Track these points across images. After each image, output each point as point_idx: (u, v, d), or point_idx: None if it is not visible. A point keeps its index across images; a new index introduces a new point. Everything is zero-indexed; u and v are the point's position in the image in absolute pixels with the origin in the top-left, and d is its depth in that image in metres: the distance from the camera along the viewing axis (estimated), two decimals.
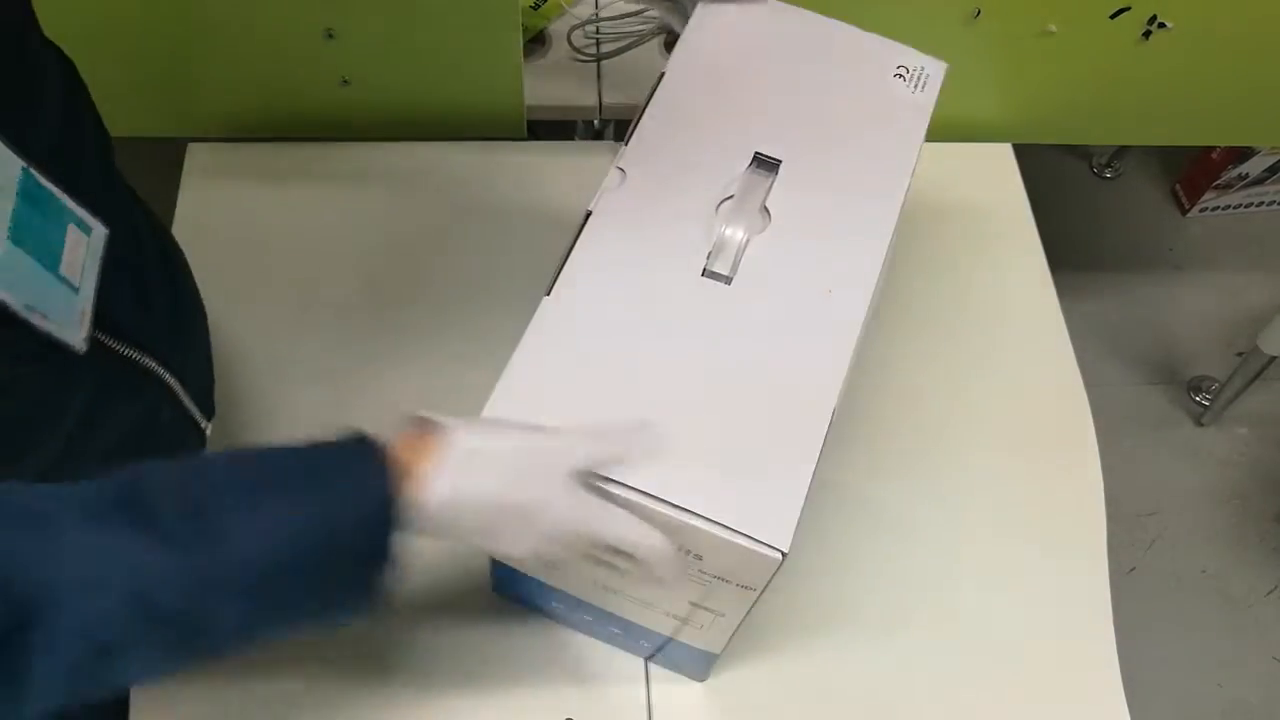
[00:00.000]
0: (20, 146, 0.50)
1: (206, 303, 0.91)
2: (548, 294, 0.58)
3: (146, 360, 0.63)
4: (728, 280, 0.59)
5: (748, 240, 0.60)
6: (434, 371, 0.86)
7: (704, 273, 0.59)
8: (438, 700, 0.75)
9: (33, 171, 0.51)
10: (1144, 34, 0.98)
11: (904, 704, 0.78)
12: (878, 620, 0.81)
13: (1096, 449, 0.89)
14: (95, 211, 0.57)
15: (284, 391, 0.85)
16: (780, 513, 0.52)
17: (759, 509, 0.52)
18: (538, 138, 1.09)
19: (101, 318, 0.57)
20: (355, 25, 0.95)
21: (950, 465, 0.86)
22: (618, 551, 0.53)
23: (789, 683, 0.78)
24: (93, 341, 0.57)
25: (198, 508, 0.42)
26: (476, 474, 0.49)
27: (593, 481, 0.52)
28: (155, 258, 0.68)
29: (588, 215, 0.61)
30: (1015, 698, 0.78)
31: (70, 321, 0.54)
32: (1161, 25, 0.97)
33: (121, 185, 0.65)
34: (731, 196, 0.62)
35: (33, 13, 0.55)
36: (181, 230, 0.95)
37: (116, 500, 0.42)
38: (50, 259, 0.53)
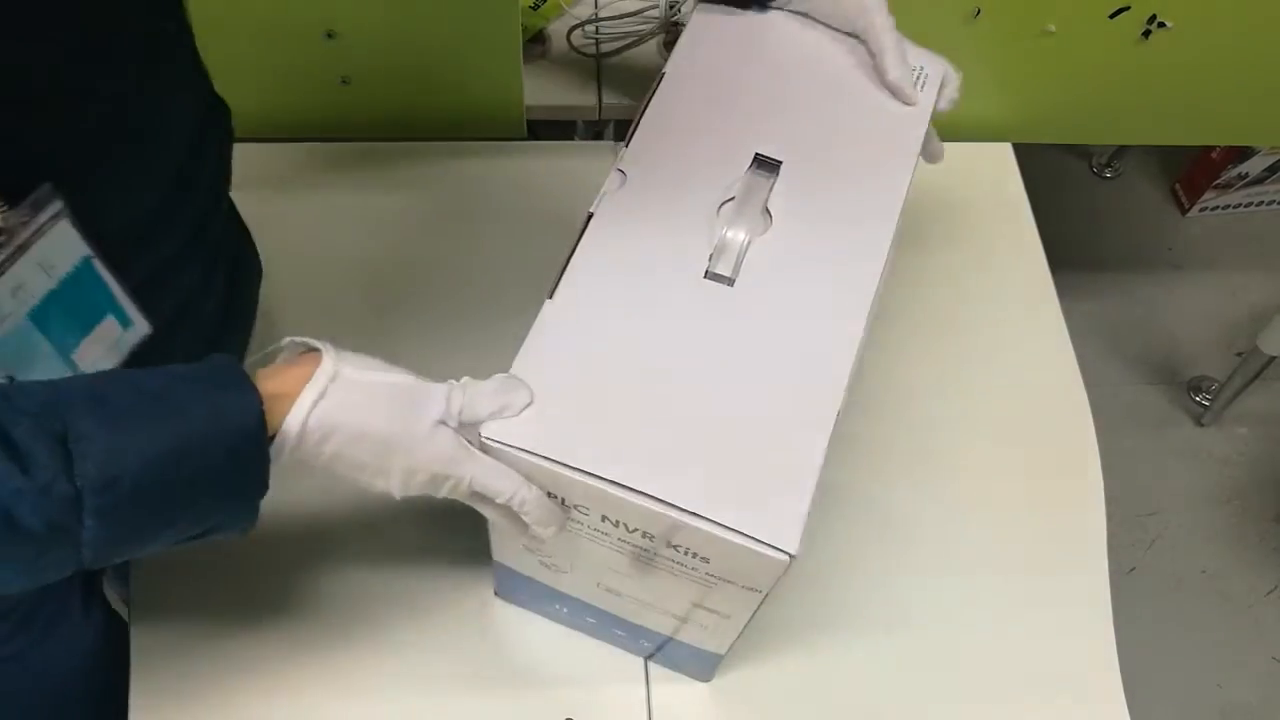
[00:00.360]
0: (90, 229, 0.50)
1: None
2: (549, 297, 0.58)
3: None
4: (730, 282, 0.59)
5: (749, 242, 0.60)
6: (434, 372, 0.86)
7: (706, 274, 0.59)
8: (438, 700, 0.75)
9: (94, 261, 0.51)
10: (1144, 33, 0.98)
11: (904, 704, 0.78)
12: (877, 621, 0.81)
13: (1096, 449, 0.89)
14: (157, 287, 0.57)
15: None
16: (787, 515, 0.52)
17: (766, 511, 0.52)
18: (538, 138, 1.09)
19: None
20: (355, 25, 0.95)
21: (950, 465, 0.86)
22: (488, 501, 0.54)
23: (789, 683, 0.78)
24: None
25: (55, 432, 0.42)
26: (343, 401, 0.50)
27: (470, 434, 0.53)
28: (216, 306, 0.68)
29: (589, 217, 0.61)
30: (1015, 698, 0.78)
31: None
32: (1161, 25, 0.97)
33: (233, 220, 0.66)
34: (733, 198, 0.61)
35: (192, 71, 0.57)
36: None
37: None
38: (68, 344, 0.52)
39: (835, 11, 0.69)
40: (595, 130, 1.13)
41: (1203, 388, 1.71)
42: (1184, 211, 1.91)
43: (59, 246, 0.49)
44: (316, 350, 0.51)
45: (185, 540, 0.49)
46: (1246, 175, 1.81)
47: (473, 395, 0.53)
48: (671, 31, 1.13)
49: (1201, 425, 1.70)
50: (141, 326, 0.57)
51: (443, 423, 0.52)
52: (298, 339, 0.52)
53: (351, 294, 0.91)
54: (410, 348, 0.89)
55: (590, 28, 1.12)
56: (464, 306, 0.91)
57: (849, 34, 0.70)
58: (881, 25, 0.67)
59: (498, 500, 0.54)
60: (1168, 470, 1.66)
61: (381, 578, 0.79)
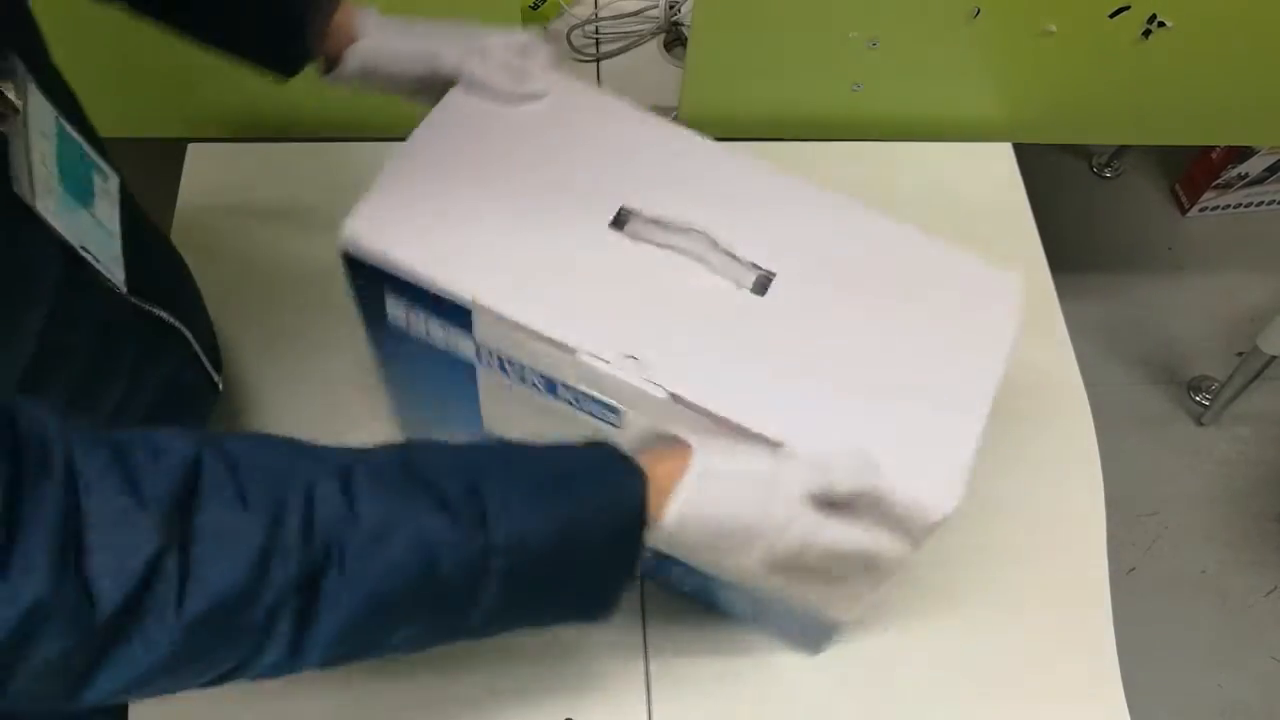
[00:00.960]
0: (50, 95, 0.51)
1: (210, 302, 0.91)
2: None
3: (167, 316, 0.65)
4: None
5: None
6: None
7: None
8: (438, 700, 0.75)
9: (61, 120, 0.53)
10: (1144, 33, 0.98)
11: (903, 705, 0.78)
12: (876, 622, 0.81)
13: (1096, 449, 0.89)
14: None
15: (283, 390, 0.86)
16: (948, 467, 0.53)
17: (923, 465, 0.53)
18: None
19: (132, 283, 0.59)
20: None
21: None
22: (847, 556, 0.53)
23: (787, 683, 0.78)
24: (115, 296, 0.58)
25: (472, 487, 0.43)
26: (712, 494, 0.50)
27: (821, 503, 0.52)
28: (140, 218, 0.70)
29: None
30: (1015, 697, 0.78)
31: (115, 262, 0.56)
32: (1161, 25, 0.97)
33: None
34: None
35: None
36: (181, 230, 0.95)
37: (400, 466, 0.43)
38: (88, 202, 0.54)
39: (403, 80, 0.67)
40: None
41: (1203, 388, 1.71)
42: (1184, 211, 1.91)
43: (40, 112, 0.51)
44: (677, 438, 0.51)
45: (555, 620, 0.50)
46: (1246, 175, 1.81)
47: (821, 461, 0.51)
48: (672, 32, 1.13)
49: (1201, 425, 1.70)
50: (114, 176, 0.59)
51: (805, 504, 0.51)
52: (662, 432, 0.52)
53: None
54: None
55: (590, 28, 1.12)
56: None
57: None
58: (456, 64, 0.64)
59: (856, 549, 0.53)
60: (1168, 470, 1.66)
61: None
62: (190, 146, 1.00)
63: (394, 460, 0.44)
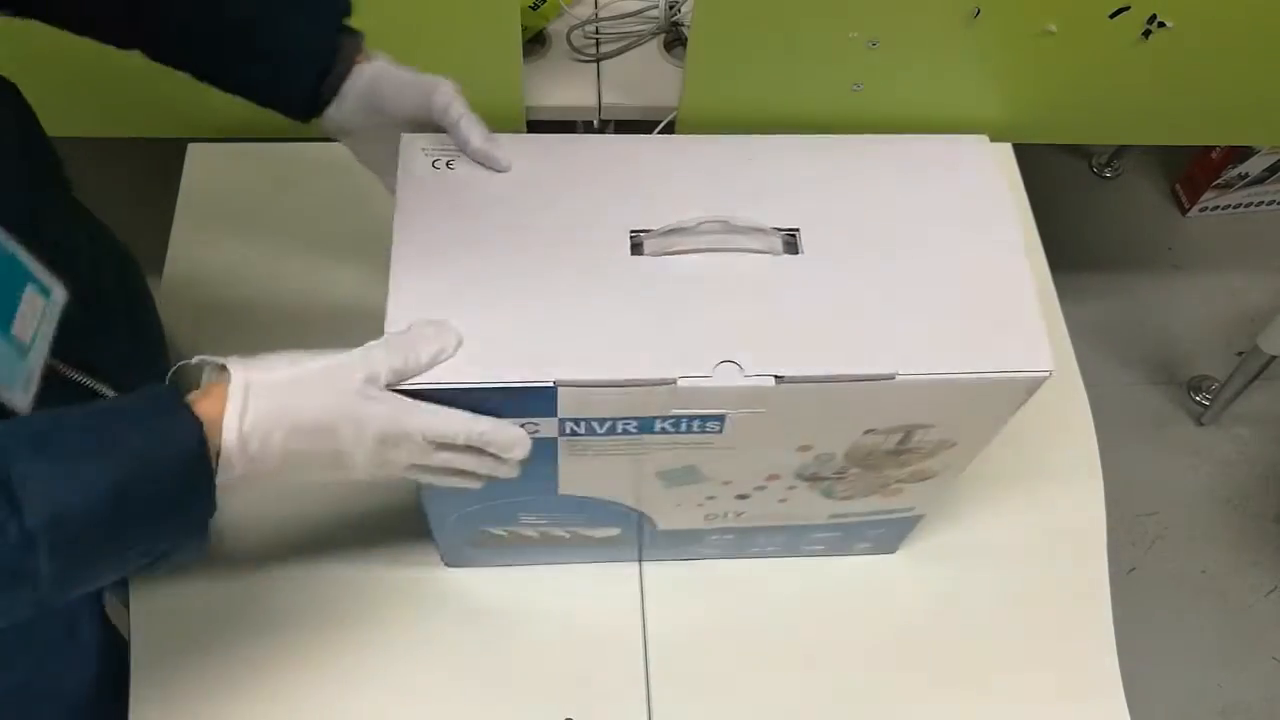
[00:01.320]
0: None
1: (209, 302, 0.91)
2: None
3: (102, 387, 0.64)
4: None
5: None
6: None
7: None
8: (438, 700, 0.75)
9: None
10: (1144, 34, 0.98)
11: (902, 705, 0.78)
12: (872, 621, 0.81)
13: (1096, 449, 0.89)
14: (59, 259, 0.57)
15: None
16: (1028, 338, 0.57)
17: (1009, 342, 0.57)
18: None
19: (62, 349, 0.58)
20: (355, 25, 0.94)
21: None
22: (460, 448, 0.55)
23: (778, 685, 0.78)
24: (50, 371, 0.57)
25: (1, 478, 0.44)
26: (267, 404, 0.50)
27: (399, 388, 0.53)
28: (113, 278, 0.69)
29: None
30: (1015, 697, 0.78)
31: (15, 383, 0.54)
32: (1161, 25, 0.97)
33: (77, 207, 0.66)
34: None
35: None
36: (181, 230, 0.95)
37: None
38: (2, 318, 0.53)
39: (404, 104, 0.65)
40: (595, 130, 1.13)
41: (1203, 388, 1.71)
42: (1184, 211, 1.91)
43: None
44: (213, 362, 0.52)
45: (143, 568, 0.50)
46: (1246, 175, 1.81)
47: (403, 349, 0.53)
48: (672, 32, 1.13)
49: (1201, 425, 1.70)
50: (59, 291, 0.58)
51: (372, 386, 0.52)
52: (207, 357, 0.52)
53: (352, 293, 0.91)
54: None
55: (590, 28, 1.12)
56: None
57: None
58: (448, 98, 0.63)
59: (455, 441, 0.54)
60: (1168, 470, 1.66)
61: (376, 582, 0.79)
62: (190, 146, 1.00)
63: None
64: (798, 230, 0.60)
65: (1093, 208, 1.91)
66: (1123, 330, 1.78)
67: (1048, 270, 0.98)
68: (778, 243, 0.59)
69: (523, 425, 0.56)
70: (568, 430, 0.58)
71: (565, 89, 1.08)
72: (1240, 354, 1.59)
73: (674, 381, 0.54)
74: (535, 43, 1.11)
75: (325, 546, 0.80)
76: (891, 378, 0.55)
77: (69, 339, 0.59)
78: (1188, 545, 1.60)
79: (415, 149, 0.62)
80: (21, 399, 0.55)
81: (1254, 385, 1.59)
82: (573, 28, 1.11)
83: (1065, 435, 0.90)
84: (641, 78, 1.10)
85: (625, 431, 0.58)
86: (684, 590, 0.81)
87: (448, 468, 0.56)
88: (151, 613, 0.76)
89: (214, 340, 0.87)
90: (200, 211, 0.96)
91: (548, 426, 0.57)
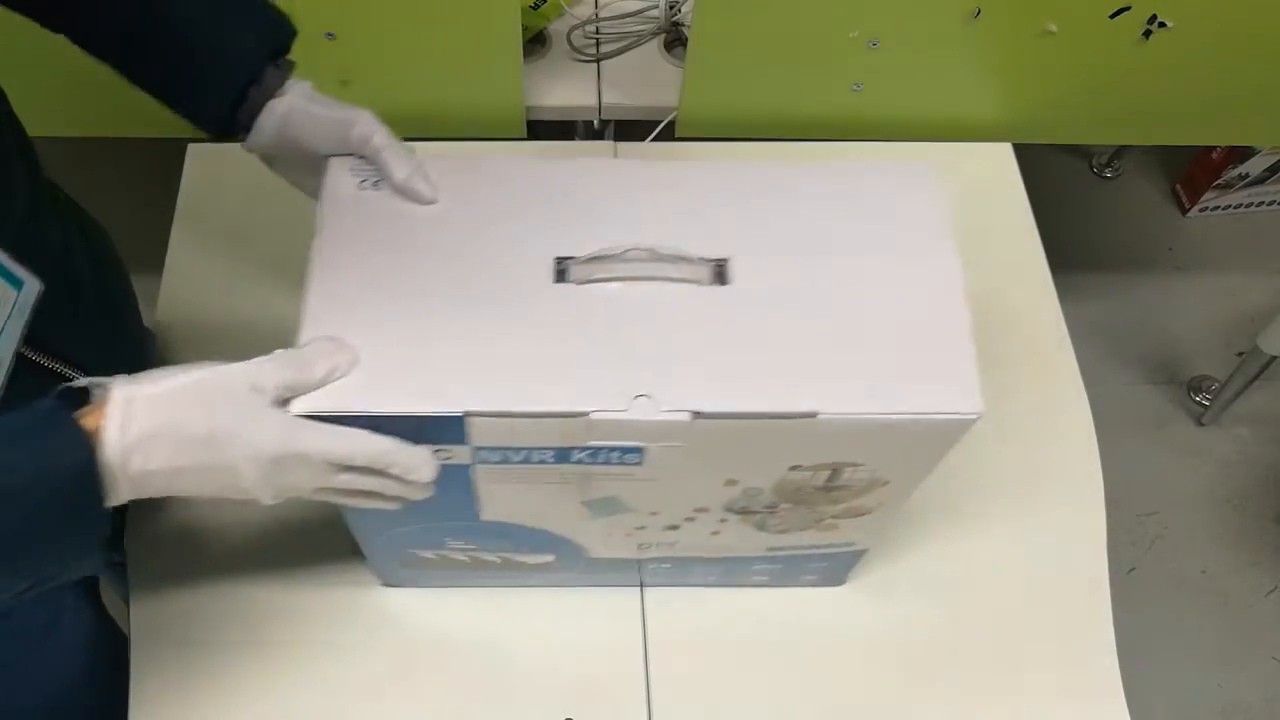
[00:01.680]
0: None
1: (208, 302, 0.91)
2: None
3: (75, 374, 0.63)
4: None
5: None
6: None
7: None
8: (438, 700, 0.75)
9: None
10: (1144, 34, 0.98)
11: (901, 706, 0.78)
12: (870, 622, 0.81)
13: (1096, 449, 0.89)
14: (27, 249, 0.57)
15: None
16: (959, 378, 0.55)
17: (941, 383, 0.55)
18: (538, 138, 1.09)
19: (33, 337, 0.58)
20: (355, 25, 0.95)
21: (949, 464, 0.86)
22: (362, 470, 0.53)
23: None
24: (24, 360, 0.57)
25: None
26: (141, 417, 0.48)
27: (294, 407, 0.51)
28: (89, 268, 0.68)
29: None
30: (1015, 698, 0.78)
31: None
32: (1162, 25, 0.97)
33: (49, 195, 0.65)
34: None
35: None
36: (181, 230, 0.95)
37: None
38: None
39: (321, 139, 0.63)
40: (595, 130, 1.13)
41: (1203, 388, 1.71)
42: (1184, 211, 1.91)
43: None
44: (96, 382, 0.51)
45: (34, 587, 0.49)
46: (1246, 175, 1.81)
47: (295, 363, 0.51)
48: (672, 32, 1.13)
49: (1201, 425, 1.70)
50: (32, 283, 0.57)
51: (260, 398, 0.50)
52: (95, 380, 0.51)
53: None
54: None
55: (590, 28, 1.12)
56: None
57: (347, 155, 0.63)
58: (369, 131, 0.61)
59: (354, 462, 0.52)
60: (1168, 470, 1.66)
61: (371, 584, 0.79)
62: (190, 146, 1.00)
63: None
64: (727, 260, 0.58)
65: (1093, 208, 1.91)
66: (1123, 330, 1.78)
67: (1048, 270, 0.98)
68: (706, 272, 0.57)
69: (436, 451, 0.55)
70: (481, 459, 0.57)
71: (565, 89, 1.08)
72: (1240, 354, 1.59)
73: (587, 414, 0.53)
74: (535, 43, 1.11)
75: (313, 561, 0.80)
76: (813, 416, 0.53)
77: (43, 327, 0.59)
78: (1188, 545, 1.60)
79: (343, 169, 0.61)
80: None
81: (1254, 385, 1.59)
82: (573, 28, 1.12)
83: (1065, 435, 0.90)
84: (641, 78, 1.10)
85: (542, 461, 0.57)
86: (684, 598, 0.81)
87: (351, 489, 0.54)
88: (152, 612, 0.76)
89: (213, 339, 0.87)
90: (200, 212, 0.96)
91: (460, 454, 0.56)
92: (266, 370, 0.51)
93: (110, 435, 0.48)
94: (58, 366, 0.62)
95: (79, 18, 0.62)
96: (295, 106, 0.63)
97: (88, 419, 0.48)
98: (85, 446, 0.47)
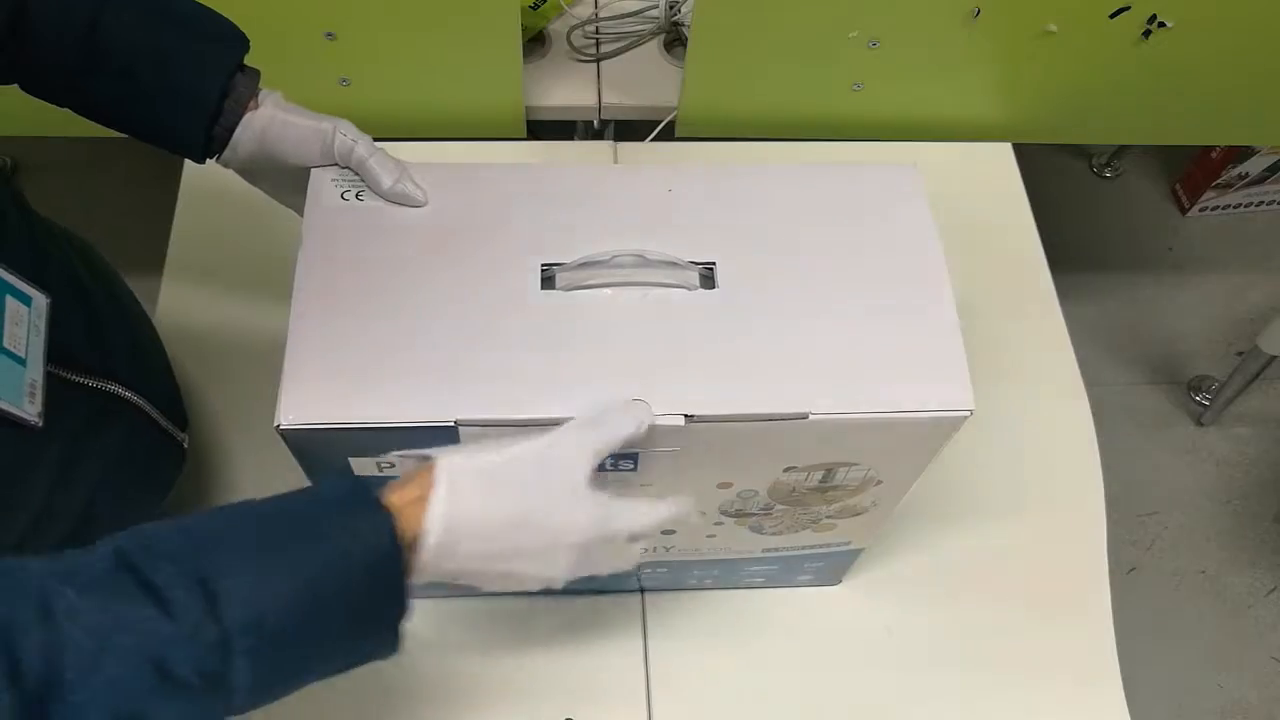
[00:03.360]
0: None
1: (208, 303, 0.91)
2: None
3: (111, 387, 0.63)
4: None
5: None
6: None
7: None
8: (438, 700, 0.75)
9: None
10: (1144, 33, 0.98)
11: (900, 706, 0.78)
12: (870, 621, 0.81)
13: (1096, 449, 0.89)
14: (27, 267, 0.57)
15: None
16: (950, 375, 0.55)
17: (931, 382, 0.55)
18: (538, 138, 1.09)
19: (60, 355, 0.57)
20: (355, 25, 0.95)
21: (949, 464, 0.86)
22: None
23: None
24: (56, 379, 0.56)
25: (195, 573, 0.41)
26: (470, 495, 0.47)
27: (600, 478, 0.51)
28: (87, 275, 0.68)
29: None
30: (1015, 697, 0.78)
31: (20, 396, 0.54)
32: (1161, 25, 0.97)
33: (40, 221, 0.64)
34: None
35: None
36: (181, 230, 0.95)
37: (114, 569, 0.41)
38: None
39: (301, 151, 0.62)
40: (595, 130, 1.13)
41: (1203, 388, 1.71)
42: (1184, 211, 1.91)
43: None
44: (419, 455, 0.50)
45: (334, 673, 0.47)
46: (1246, 175, 1.81)
47: (606, 433, 0.50)
48: (672, 32, 1.13)
49: (1201, 425, 1.70)
50: (40, 298, 0.57)
51: (576, 476, 0.49)
52: (409, 452, 0.50)
53: None
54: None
55: (590, 28, 1.12)
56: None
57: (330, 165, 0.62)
58: (350, 142, 0.60)
59: (655, 531, 0.52)
60: (1168, 470, 1.66)
61: None
62: None
63: (105, 561, 0.41)
64: (714, 264, 0.58)
65: (1093, 208, 1.91)
66: (1123, 330, 1.78)
67: (1048, 270, 0.98)
68: (694, 277, 0.57)
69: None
70: None
71: (565, 89, 1.08)
72: (1240, 354, 1.59)
73: None
74: (535, 43, 1.11)
75: None
76: (805, 417, 0.53)
77: (59, 344, 0.58)
78: (1188, 545, 1.60)
79: (325, 180, 0.61)
80: (31, 410, 0.54)
81: (1254, 385, 1.59)
82: (573, 28, 1.12)
83: (1065, 435, 0.90)
84: (641, 78, 1.10)
85: None
86: (683, 599, 0.81)
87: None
88: None
89: (213, 339, 0.87)
90: (200, 212, 0.96)
91: None
92: (583, 442, 0.49)
93: (433, 510, 0.46)
94: (86, 380, 0.62)
95: (20, 63, 0.59)
96: (273, 118, 0.62)
97: (403, 493, 0.47)
98: (393, 526, 0.45)
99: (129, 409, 0.66)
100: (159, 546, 0.42)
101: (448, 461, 0.48)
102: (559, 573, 0.50)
